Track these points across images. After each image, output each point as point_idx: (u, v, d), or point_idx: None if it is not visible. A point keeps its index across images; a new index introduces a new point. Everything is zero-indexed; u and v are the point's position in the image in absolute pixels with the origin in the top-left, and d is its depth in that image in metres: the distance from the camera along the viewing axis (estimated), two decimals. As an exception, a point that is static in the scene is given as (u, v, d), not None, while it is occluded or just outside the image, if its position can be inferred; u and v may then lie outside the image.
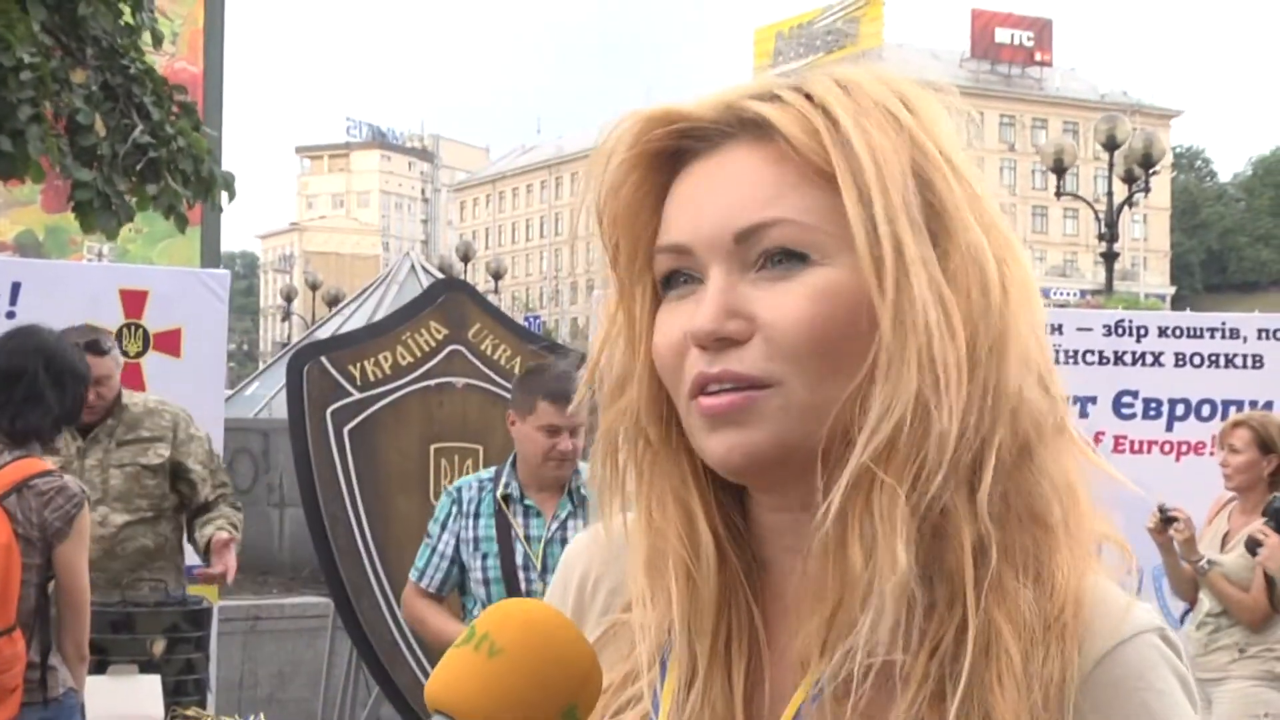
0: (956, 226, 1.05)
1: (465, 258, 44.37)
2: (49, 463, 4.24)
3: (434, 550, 4.72)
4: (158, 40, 9.63)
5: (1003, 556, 1.04)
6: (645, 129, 1.12)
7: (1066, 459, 1.09)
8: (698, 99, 1.12)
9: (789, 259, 1.05)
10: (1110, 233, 24.98)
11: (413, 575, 4.76)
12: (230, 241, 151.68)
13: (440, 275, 17.58)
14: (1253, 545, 5.32)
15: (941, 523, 1.03)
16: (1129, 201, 25.09)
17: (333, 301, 35.72)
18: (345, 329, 14.22)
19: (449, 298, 6.29)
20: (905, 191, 1.04)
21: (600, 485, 1.19)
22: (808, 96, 1.08)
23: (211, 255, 23.45)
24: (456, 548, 4.69)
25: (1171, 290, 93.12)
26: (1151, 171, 24.48)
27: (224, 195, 9.27)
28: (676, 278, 1.10)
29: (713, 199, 1.09)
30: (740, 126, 1.09)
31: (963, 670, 1.01)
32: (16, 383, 4.18)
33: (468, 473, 6.15)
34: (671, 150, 1.13)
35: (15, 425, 4.17)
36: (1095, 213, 26.92)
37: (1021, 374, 1.05)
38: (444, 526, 4.72)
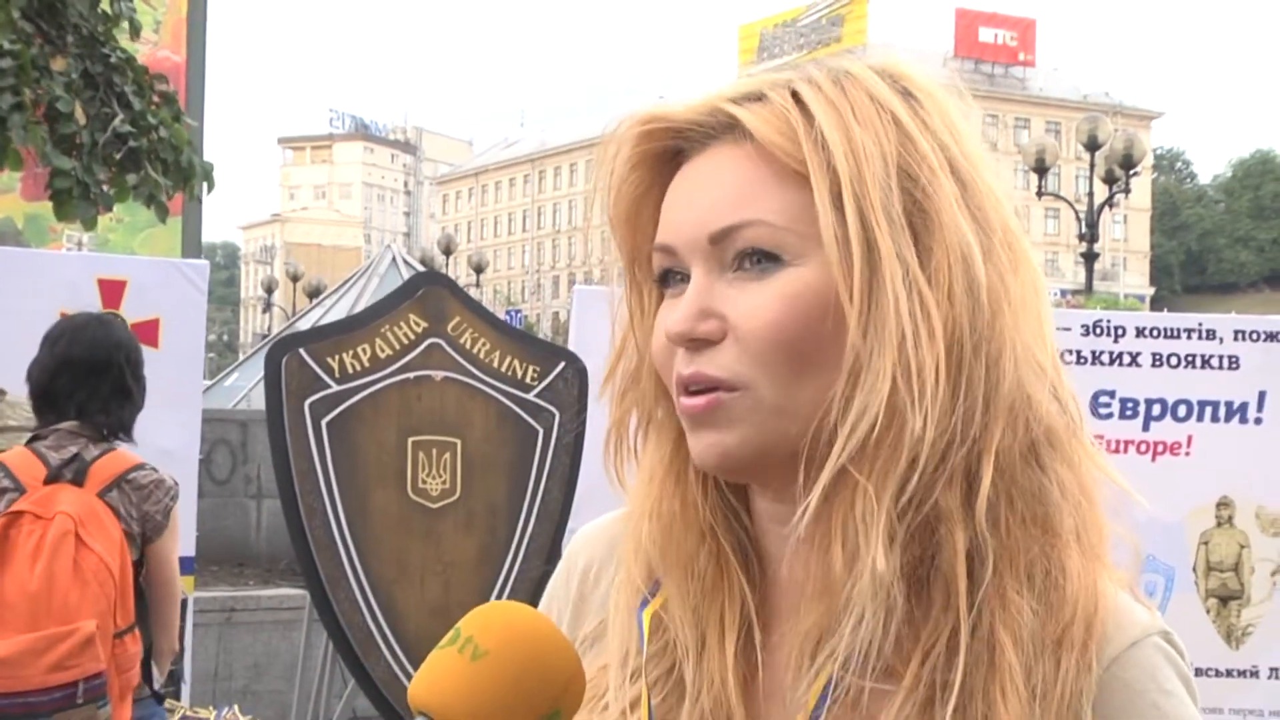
0: (942, 223, 1.03)
1: (447, 251, 44.28)
2: (138, 455, 4.20)
3: None
4: (135, 30, 9.57)
5: (1004, 564, 1.03)
6: (639, 132, 1.14)
7: (1080, 466, 1.08)
8: (687, 101, 1.13)
9: (764, 259, 1.05)
10: (1091, 233, 25.04)
11: None
12: (212, 232, 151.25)
13: (422, 268, 17.60)
14: None
15: (935, 525, 1.02)
16: (1109, 202, 25.16)
17: (314, 293, 35.62)
18: (326, 320, 14.23)
19: (428, 291, 6.27)
20: (885, 189, 1.03)
21: (620, 475, 1.20)
22: (795, 93, 1.08)
23: (193, 246, 23.36)
24: None
25: (1151, 291, 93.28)
26: (1132, 172, 24.55)
27: (204, 186, 9.23)
28: (671, 276, 1.12)
29: (693, 201, 1.10)
30: (723, 128, 1.10)
31: (955, 679, 1.00)
32: (103, 376, 4.13)
33: (445, 466, 6.15)
34: (672, 150, 1.14)
35: (109, 418, 4.13)
36: (1076, 213, 26.99)
37: (1024, 376, 1.04)
38: None
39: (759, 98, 1.09)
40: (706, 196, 1.09)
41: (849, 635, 1.01)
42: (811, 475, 1.03)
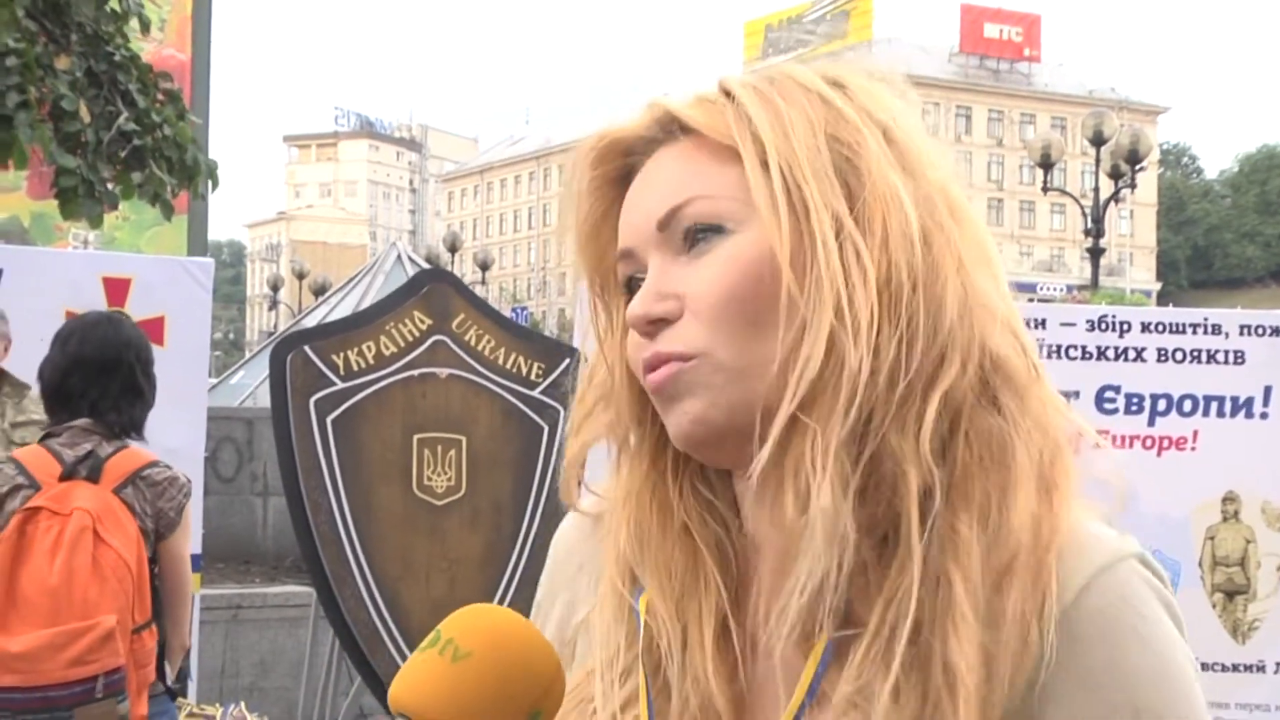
0: (871, 173, 1.07)
1: (452, 248, 44.25)
2: (152, 452, 4.22)
3: None
4: (145, 26, 9.59)
5: (958, 501, 1.04)
6: (592, 156, 1.19)
7: (1041, 409, 1.09)
8: (631, 116, 1.18)
9: (708, 233, 1.10)
10: (1096, 228, 25.01)
11: None
12: (218, 230, 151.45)
13: (427, 265, 17.59)
14: None
15: (890, 468, 1.03)
16: (1115, 197, 25.11)
17: (319, 290, 35.62)
18: (331, 318, 14.23)
19: (433, 288, 6.28)
20: (813, 150, 1.08)
21: (570, 497, 1.24)
22: (725, 90, 1.14)
23: (199, 244, 23.38)
24: None
25: (1157, 286, 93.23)
26: (1138, 168, 24.48)
27: (208, 183, 9.24)
28: (635, 282, 1.15)
29: (641, 200, 1.15)
30: (663, 131, 1.16)
31: (908, 614, 1.01)
32: (114, 375, 4.15)
33: (450, 463, 6.16)
34: (625, 170, 1.19)
35: (121, 416, 4.14)
36: (1082, 208, 26.95)
37: (976, 318, 1.07)
38: None
39: (694, 100, 1.15)
40: (652, 192, 1.14)
41: (804, 577, 1.02)
42: (767, 426, 1.05)
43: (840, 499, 1.01)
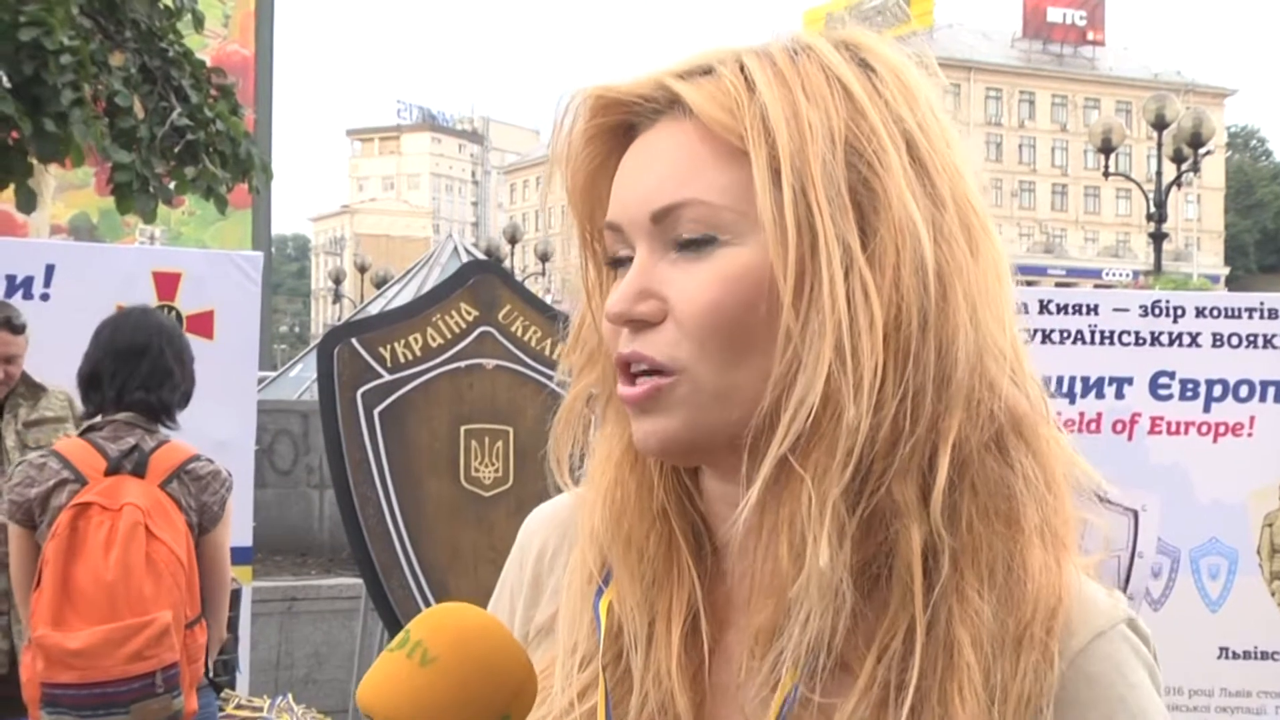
0: (890, 202, 0.99)
1: (513, 240, 44.33)
2: (194, 446, 4.26)
3: None
4: (198, 23, 9.67)
5: (965, 560, 1.00)
6: (592, 107, 1.11)
7: (1046, 455, 1.05)
8: (636, 75, 1.10)
9: (704, 240, 1.03)
10: (1159, 213, 24.72)
11: None
12: (282, 224, 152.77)
13: (485, 257, 17.64)
14: None
15: (890, 520, 0.99)
16: (1178, 181, 24.77)
17: (381, 283, 35.77)
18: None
19: (480, 280, 6.29)
20: (829, 165, 0.99)
21: (559, 454, 1.18)
22: (743, 67, 1.05)
23: (262, 238, 23.59)
24: None
25: (1225, 271, 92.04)
26: (1203, 151, 24.15)
27: (261, 178, 9.31)
28: (620, 261, 1.10)
29: (636, 179, 1.07)
30: (668, 103, 1.08)
31: (911, 679, 0.98)
32: (141, 357, 4.19)
33: (498, 454, 6.16)
34: (625, 124, 1.11)
35: (149, 395, 4.18)
36: (1145, 193, 26.66)
37: (986, 363, 1.01)
38: None
39: (707, 71, 1.06)
40: (649, 175, 1.06)
41: (797, 635, 0.98)
42: (754, 465, 1.00)
43: (837, 553, 0.97)
